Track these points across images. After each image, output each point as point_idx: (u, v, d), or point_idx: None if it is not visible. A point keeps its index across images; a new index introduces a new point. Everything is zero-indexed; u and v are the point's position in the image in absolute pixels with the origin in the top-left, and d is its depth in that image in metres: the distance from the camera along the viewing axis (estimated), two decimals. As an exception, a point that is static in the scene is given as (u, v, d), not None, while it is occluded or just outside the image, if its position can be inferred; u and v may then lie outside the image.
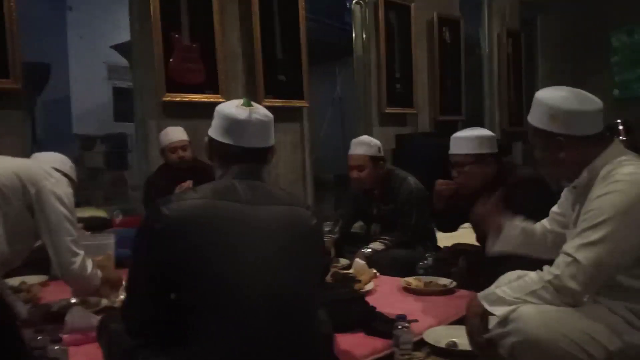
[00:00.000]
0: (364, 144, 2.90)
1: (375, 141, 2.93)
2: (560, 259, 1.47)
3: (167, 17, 3.99)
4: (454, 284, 2.49)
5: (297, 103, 4.82)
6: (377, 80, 5.65)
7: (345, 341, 1.84)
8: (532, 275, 1.51)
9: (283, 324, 1.23)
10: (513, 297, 1.48)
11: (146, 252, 1.29)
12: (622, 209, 1.40)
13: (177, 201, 1.29)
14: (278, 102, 4.65)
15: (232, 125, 1.42)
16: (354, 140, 2.97)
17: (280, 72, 4.69)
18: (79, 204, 4.90)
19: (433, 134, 5.95)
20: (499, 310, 1.50)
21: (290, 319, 1.25)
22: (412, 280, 2.50)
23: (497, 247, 1.86)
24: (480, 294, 1.58)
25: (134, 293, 1.35)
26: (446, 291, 2.45)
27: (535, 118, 1.60)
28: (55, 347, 1.65)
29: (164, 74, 3.97)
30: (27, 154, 3.24)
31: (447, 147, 2.47)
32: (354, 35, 5.69)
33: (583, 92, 1.60)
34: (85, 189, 6.11)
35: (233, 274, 1.23)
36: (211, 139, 1.47)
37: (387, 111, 5.68)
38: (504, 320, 1.48)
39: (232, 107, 1.45)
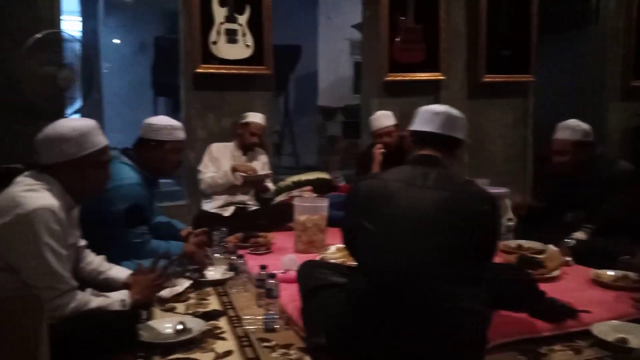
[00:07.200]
0: (569, 129, 2.79)
1: (582, 126, 2.79)
2: None
3: (395, 1, 4.32)
4: None
5: (521, 78, 4.69)
6: (624, 50, 5.07)
7: (509, 318, 1.96)
8: None
9: (415, 298, 1.50)
10: None
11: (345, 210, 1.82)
12: None
13: (368, 179, 1.80)
14: (499, 78, 4.63)
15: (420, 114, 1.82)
16: (560, 124, 2.87)
17: (504, 46, 4.62)
18: (313, 168, 5.68)
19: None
20: None
21: (422, 293, 1.50)
22: (602, 274, 2.41)
23: None
24: None
25: (344, 235, 1.83)
26: (637, 289, 2.28)
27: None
28: (271, 281, 2.21)
29: (388, 55, 4.34)
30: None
31: None
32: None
33: None
34: (324, 153, 7.00)
35: (382, 240, 1.57)
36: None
37: (633, 84, 5.07)
38: None
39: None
